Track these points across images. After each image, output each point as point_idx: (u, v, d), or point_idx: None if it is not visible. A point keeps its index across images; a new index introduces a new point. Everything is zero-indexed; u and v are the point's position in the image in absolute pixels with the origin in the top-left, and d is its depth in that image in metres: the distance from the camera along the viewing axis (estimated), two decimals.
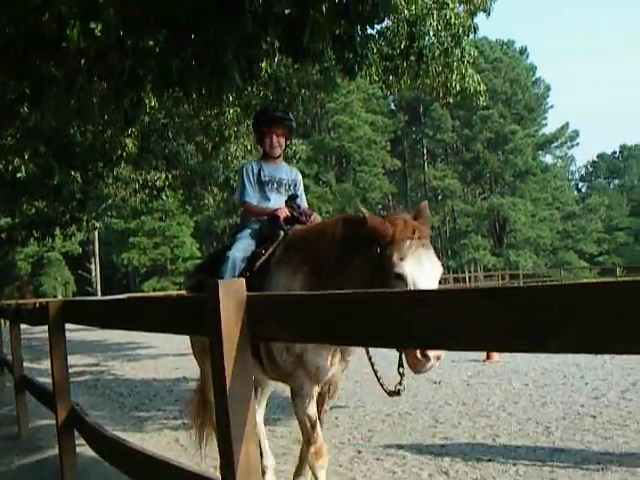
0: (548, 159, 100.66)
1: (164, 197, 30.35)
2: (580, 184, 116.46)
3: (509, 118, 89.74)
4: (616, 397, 10.98)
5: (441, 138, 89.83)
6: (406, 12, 13.94)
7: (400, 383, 5.40)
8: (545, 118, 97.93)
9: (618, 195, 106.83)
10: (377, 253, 5.21)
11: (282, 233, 6.43)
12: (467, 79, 14.73)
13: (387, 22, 13.72)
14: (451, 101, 15.88)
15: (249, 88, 14.08)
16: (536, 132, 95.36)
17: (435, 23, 14.23)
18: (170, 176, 26.66)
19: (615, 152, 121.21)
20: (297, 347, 5.65)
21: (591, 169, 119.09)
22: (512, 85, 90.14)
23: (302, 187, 7.41)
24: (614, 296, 1.83)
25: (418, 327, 2.40)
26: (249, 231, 6.78)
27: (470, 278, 62.00)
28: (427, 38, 14.40)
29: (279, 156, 7.25)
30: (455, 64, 14.52)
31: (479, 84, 15.24)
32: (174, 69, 9.26)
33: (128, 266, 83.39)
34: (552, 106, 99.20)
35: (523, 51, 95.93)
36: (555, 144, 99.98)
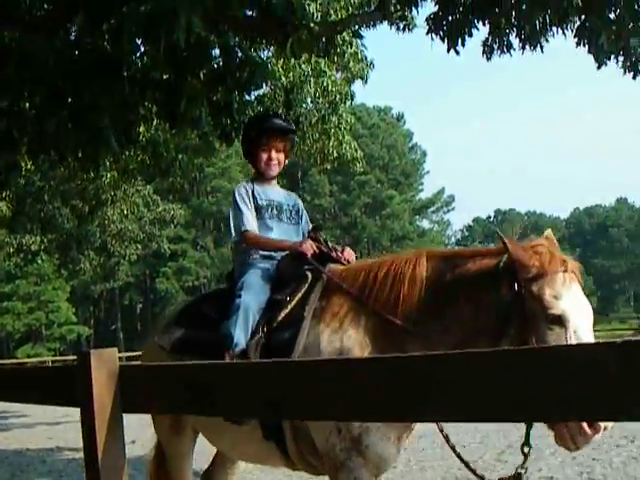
0: (425, 224, 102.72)
1: (39, 261, 29.77)
2: (456, 248, 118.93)
3: (386, 183, 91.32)
4: (493, 459, 11.14)
5: (319, 203, 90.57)
6: (284, 79, 14.14)
7: (523, 466, 4.20)
8: (421, 183, 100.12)
9: None
10: (516, 292, 4.18)
11: (310, 274, 5.13)
12: (344, 145, 15.01)
13: (265, 89, 13.88)
14: (328, 167, 16.13)
15: (126, 152, 13.98)
16: (413, 197, 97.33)
17: (312, 90, 14.49)
18: (45, 240, 26.13)
19: (490, 216, 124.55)
20: (355, 427, 4.45)
21: (467, 233, 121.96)
22: (389, 151, 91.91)
23: (306, 216, 5.97)
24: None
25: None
26: (258, 272, 5.30)
27: None
28: (304, 105, 14.63)
29: (275, 177, 5.85)
30: (332, 131, 14.78)
31: (356, 150, 15.54)
32: (50, 132, 9.16)
33: (1, 332, 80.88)
34: (428, 172, 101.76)
35: (400, 117, 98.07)
36: (431, 209, 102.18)
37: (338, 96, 14.85)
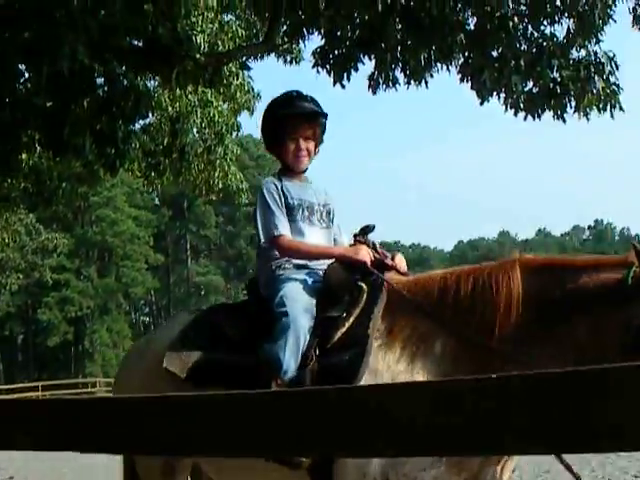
0: None
1: None
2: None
3: None
4: None
5: (205, 234, 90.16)
6: (170, 109, 14.07)
7: None
8: None
9: None
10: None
11: (365, 286, 4.34)
12: (230, 177, 14.97)
13: (151, 118, 13.78)
14: (214, 198, 16.08)
15: (8, 180, 13.65)
16: None
17: (199, 120, 14.45)
18: None
19: None
20: (471, 464, 3.83)
21: None
22: None
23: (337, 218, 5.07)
24: None
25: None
26: (297, 284, 4.45)
27: None
28: (190, 135, 14.57)
29: (305, 171, 4.95)
30: (218, 162, 14.73)
31: (241, 182, 15.53)
32: None
33: None
34: None
35: None
36: None
37: (224, 127, 14.86)
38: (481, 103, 9.64)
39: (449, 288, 4.13)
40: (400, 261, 4.61)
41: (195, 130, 14.79)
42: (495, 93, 9.61)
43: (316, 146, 4.89)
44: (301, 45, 12.27)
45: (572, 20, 9.61)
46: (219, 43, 13.14)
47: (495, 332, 3.90)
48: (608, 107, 9.49)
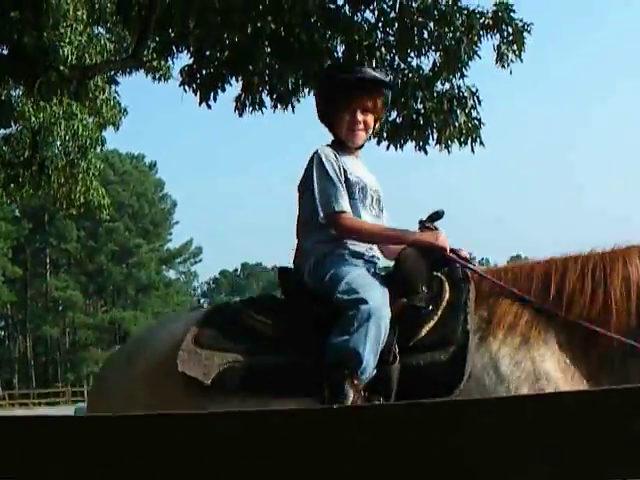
0: (172, 274, 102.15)
1: None
2: (202, 300, 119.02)
3: (135, 232, 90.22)
4: None
5: (65, 248, 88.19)
6: (33, 119, 13.75)
7: None
8: (170, 233, 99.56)
9: None
10: None
11: (444, 276, 3.91)
12: (92, 192, 14.71)
13: (12, 128, 13.45)
14: (74, 212, 15.77)
15: None
16: (161, 247, 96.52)
17: (63, 133, 14.16)
18: None
19: (237, 269, 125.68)
20: None
21: (213, 285, 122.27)
22: (139, 199, 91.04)
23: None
24: None
25: None
26: (362, 270, 3.91)
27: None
28: (53, 148, 14.27)
29: (361, 147, 4.28)
30: (80, 176, 14.46)
31: (104, 197, 15.27)
32: None
33: None
34: (178, 222, 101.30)
35: (152, 166, 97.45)
36: (179, 259, 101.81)
37: (89, 141, 14.61)
38: None
39: (552, 274, 3.77)
40: (466, 254, 4.08)
41: (59, 143, 14.50)
42: None
43: (376, 121, 4.23)
44: (170, 62, 12.16)
45: (438, 54, 9.84)
46: (87, 56, 12.94)
47: (615, 322, 3.57)
48: (469, 141, 9.75)
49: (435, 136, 9.72)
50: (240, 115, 9.97)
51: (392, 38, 9.90)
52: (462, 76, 9.81)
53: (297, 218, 4.18)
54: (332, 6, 9.59)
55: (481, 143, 9.72)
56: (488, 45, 9.91)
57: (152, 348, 4.05)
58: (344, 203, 3.95)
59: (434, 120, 9.60)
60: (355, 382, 3.48)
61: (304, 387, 3.53)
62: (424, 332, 3.66)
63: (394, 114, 9.75)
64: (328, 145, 4.18)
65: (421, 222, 4.04)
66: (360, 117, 4.09)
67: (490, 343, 3.63)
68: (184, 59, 10.02)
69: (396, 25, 9.83)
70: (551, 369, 3.54)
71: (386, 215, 4.27)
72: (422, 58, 9.94)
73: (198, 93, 9.50)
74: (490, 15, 9.81)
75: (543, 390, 3.45)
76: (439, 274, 3.88)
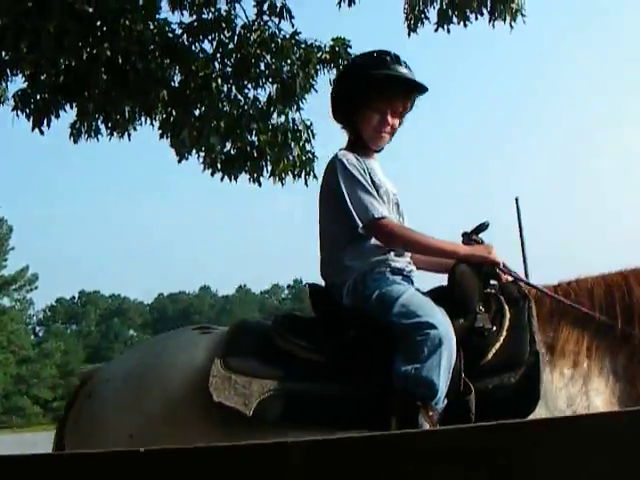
0: (5, 301, 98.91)
1: None
2: (37, 328, 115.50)
3: None
4: None
5: None
6: None
7: None
8: (5, 259, 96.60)
9: (75, 340, 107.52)
10: None
11: (499, 294, 3.72)
12: None
13: None
14: None
15: None
16: None
17: None
18: None
19: (74, 297, 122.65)
20: None
21: (49, 313, 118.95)
22: None
23: None
24: None
25: None
26: (413, 291, 3.64)
27: None
28: None
29: (380, 151, 4.05)
30: None
31: None
32: None
33: None
34: (13, 248, 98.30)
35: None
36: (14, 287, 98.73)
37: None
38: (179, 161, 9.73)
39: (615, 292, 3.60)
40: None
41: None
42: (195, 151, 9.74)
43: (399, 124, 3.99)
44: (4, 86, 11.87)
45: (275, 86, 9.95)
46: None
47: None
48: (303, 174, 9.86)
49: (269, 168, 9.82)
50: (75, 142, 9.79)
51: (229, 69, 9.96)
52: (298, 109, 9.94)
53: (323, 232, 3.89)
54: (170, 35, 9.58)
55: (315, 177, 9.85)
56: (326, 79, 10.06)
57: (168, 376, 3.56)
58: (382, 208, 3.68)
59: (268, 152, 9.69)
60: (430, 413, 3.25)
61: (361, 419, 3.25)
62: (490, 355, 3.45)
63: (228, 145, 9.82)
64: (345, 148, 3.92)
65: (465, 234, 3.82)
66: (390, 119, 3.87)
67: (550, 372, 3.46)
68: (18, 82, 9.80)
69: (234, 56, 9.91)
70: (601, 405, 3.41)
71: (407, 221, 3.99)
72: (259, 90, 10.03)
73: (31, 119, 9.30)
74: (327, 49, 9.95)
75: None
76: (493, 291, 3.71)
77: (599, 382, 3.45)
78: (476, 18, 9.51)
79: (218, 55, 9.94)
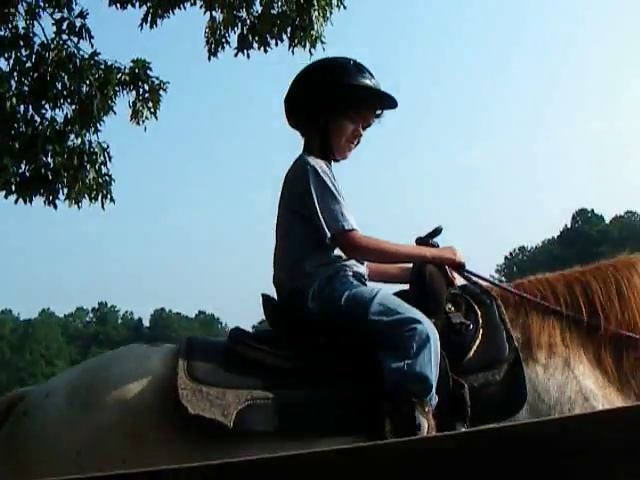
0: None
1: None
2: None
3: None
4: None
5: None
6: None
7: None
8: None
9: None
10: None
11: (465, 294, 3.69)
12: None
13: None
14: None
15: None
16: None
17: None
18: None
19: None
20: None
21: None
22: None
23: None
24: None
25: None
26: (385, 292, 3.60)
27: None
28: None
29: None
30: None
31: None
32: None
33: None
34: None
35: None
36: None
37: None
38: None
39: (575, 287, 3.69)
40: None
41: None
42: None
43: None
44: None
45: (73, 107, 9.78)
46: None
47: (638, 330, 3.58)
48: (100, 197, 9.71)
49: (65, 191, 9.60)
50: None
51: (26, 88, 9.72)
52: (96, 131, 9.80)
53: (283, 237, 3.74)
54: None
55: (112, 199, 9.76)
56: (125, 102, 9.98)
57: (123, 387, 3.25)
58: (352, 220, 3.57)
59: (64, 175, 9.48)
60: (426, 409, 3.15)
61: (353, 422, 3.14)
62: (472, 353, 3.42)
63: (23, 166, 9.54)
64: (310, 153, 3.73)
65: (420, 239, 3.80)
66: (361, 131, 3.79)
67: (533, 366, 3.46)
68: None
69: (31, 75, 9.68)
70: (593, 387, 3.44)
71: None
72: (56, 110, 9.82)
73: None
74: (127, 71, 9.90)
75: (595, 408, 3.30)
76: (458, 292, 3.68)
77: (583, 367, 3.49)
78: (276, 44, 9.62)
79: (15, 73, 9.69)
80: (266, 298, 3.70)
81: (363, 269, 3.72)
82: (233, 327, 3.68)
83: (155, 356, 3.42)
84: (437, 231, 3.80)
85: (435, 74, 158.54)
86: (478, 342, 3.43)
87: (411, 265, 3.73)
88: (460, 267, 3.71)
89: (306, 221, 3.59)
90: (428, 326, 3.27)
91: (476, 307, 3.58)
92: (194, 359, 3.31)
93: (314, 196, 3.54)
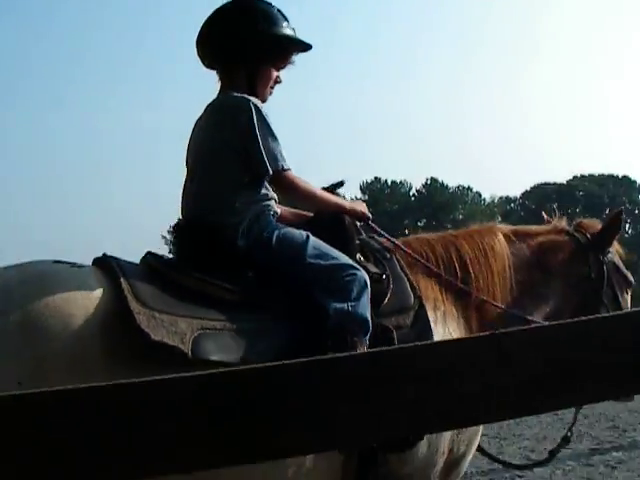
0: None
1: None
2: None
3: None
4: None
5: None
6: None
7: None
8: None
9: None
10: (601, 264, 4.31)
11: (376, 245, 3.85)
12: None
13: None
14: None
15: None
16: None
17: None
18: None
19: None
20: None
21: None
22: None
23: None
24: None
25: None
26: (312, 237, 3.56)
27: None
28: None
29: None
30: None
31: None
32: None
33: None
34: None
35: None
36: None
37: None
38: None
39: (450, 251, 3.98)
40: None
41: None
42: None
43: None
44: None
45: None
46: None
47: (496, 293, 3.96)
48: None
49: None
50: None
51: None
52: None
53: (211, 169, 3.64)
54: None
55: None
56: None
57: (64, 311, 2.91)
58: (287, 161, 3.63)
59: None
60: (364, 349, 3.20)
61: (298, 356, 2.88)
62: (387, 300, 3.54)
63: None
64: (242, 93, 3.67)
65: (325, 188, 3.83)
66: (281, 78, 3.89)
67: (435, 315, 3.70)
68: None
69: None
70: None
71: None
72: None
73: None
74: None
75: None
76: (362, 244, 3.79)
77: (455, 324, 3.78)
78: None
79: None
80: (189, 225, 3.65)
81: (278, 210, 3.77)
82: (147, 251, 3.47)
83: (90, 279, 3.09)
84: (340, 183, 3.94)
85: None
86: (390, 291, 3.60)
87: (312, 213, 3.91)
88: (367, 221, 3.89)
89: (242, 157, 3.59)
90: (364, 273, 3.43)
91: (381, 259, 3.75)
92: (137, 284, 3.09)
93: (257, 134, 3.55)
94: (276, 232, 3.51)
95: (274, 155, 3.57)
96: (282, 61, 3.86)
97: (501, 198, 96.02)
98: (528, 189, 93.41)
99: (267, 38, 3.74)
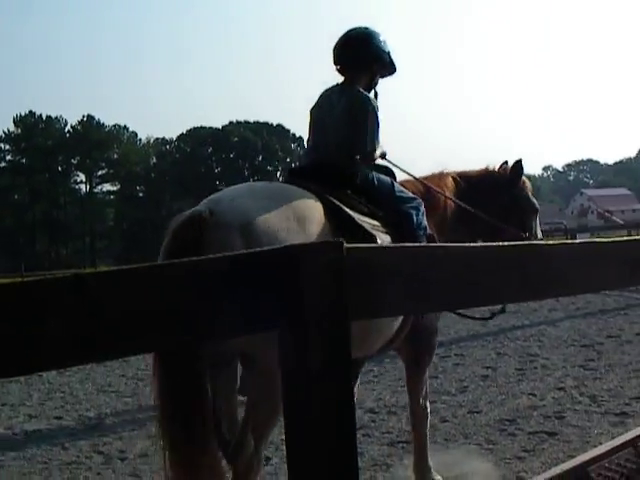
0: None
1: None
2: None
3: None
4: None
5: None
6: None
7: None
8: None
9: None
10: (516, 195, 6.09)
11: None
12: None
13: None
14: None
15: None
16: None
17: None
18: None
19: None
20: None
21: None
22: None
23: None
24: None
25: None
26: (393, 181, 5.35)
27: None
28: None
29: None
30: None
31: None
32: None
33: None
34: None
35: None
36: None
37: None
38: None
39: (416, 188, 5.53)
40: None
41: None
42: None
43: None
44: None
45: None
46: None
47: (445, 219, 5.66)
48: None
49: None
50: None
51: None
52: None
53: (338, 130, 5.11)
54: None
55: None
56: None
57: (312, 212, 4.30)
58: (379, 148, 5.24)
59: None
60: (425, 242, 4.91)
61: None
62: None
63: None
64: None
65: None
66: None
67: None
68: None
69: None
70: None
71: None
72: None
73: None
74: None
75: None
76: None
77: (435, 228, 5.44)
78: None
79: None
80: (316, 167, 5.09)
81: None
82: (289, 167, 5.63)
83: (306, 193, 4.49)
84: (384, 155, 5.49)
85: None
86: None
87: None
88: (384, 157, 5.44)
89: (359, 132, 5.15)
90: (421, 200, 5.24)
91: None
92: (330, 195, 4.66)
93: (369, 122, 5.17)
94: (375, 176, 5.17)
95: (373, 142, 5.20)
96: (385, 73, 5.51)
97: (157, 139, 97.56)
98: (184, 132, 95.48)
99: (384, 54, 5.39)
